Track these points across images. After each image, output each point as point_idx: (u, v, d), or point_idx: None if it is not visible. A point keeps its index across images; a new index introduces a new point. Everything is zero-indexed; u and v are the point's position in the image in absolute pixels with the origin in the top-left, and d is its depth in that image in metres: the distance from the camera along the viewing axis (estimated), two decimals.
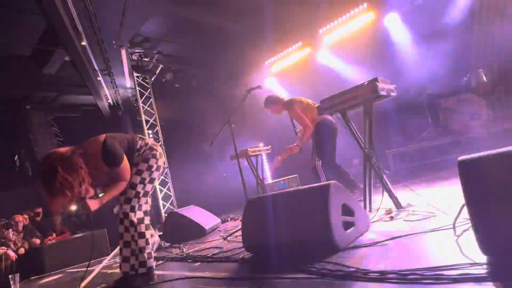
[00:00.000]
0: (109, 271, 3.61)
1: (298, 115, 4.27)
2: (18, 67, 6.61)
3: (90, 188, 2.44)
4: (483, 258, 1.40)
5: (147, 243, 2.65)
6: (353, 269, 1.70)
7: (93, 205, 2.41)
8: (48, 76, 7.21)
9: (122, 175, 2.52)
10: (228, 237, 3.78)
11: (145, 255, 2.61)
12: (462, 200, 1.44)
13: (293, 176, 6.65)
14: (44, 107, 7.72)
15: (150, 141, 2.89)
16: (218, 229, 4.81)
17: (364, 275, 1.59)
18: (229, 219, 5.58)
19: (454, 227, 1.83)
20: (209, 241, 3.93)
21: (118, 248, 2.68)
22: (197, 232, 4.49)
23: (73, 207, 5.91)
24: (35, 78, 7.08)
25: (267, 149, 5.85)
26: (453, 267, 1.41)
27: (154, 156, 2.76)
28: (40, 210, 6.11)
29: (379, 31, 6.68)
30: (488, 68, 5.45)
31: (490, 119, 5.02)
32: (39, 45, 6.28)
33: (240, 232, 2.87)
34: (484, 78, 5.46)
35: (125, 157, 2.52)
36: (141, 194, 2.64)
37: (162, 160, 2.85)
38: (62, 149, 2.30)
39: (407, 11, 6.42)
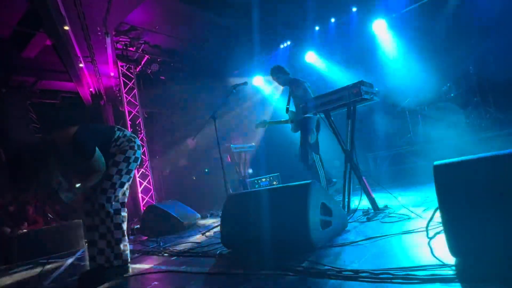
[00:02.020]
0: (82, 263, 3.53)
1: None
2: None
3: (63, 180, 2.40)
4: (452, 260, 1.45)
5: (123, 235, 2.60)
6: (327, 267, 1.72)
7: (67, 197, 2.37)
8: (27, 60, 6.94)
9: (94, 167, 2.48)
10: (207, 233, 3.77)
11: (121, 246, 2.56)
12: (436, 204, 1.49)
13: (275, 174, 6.67)
14: (21, 91, 7.42)
15: (129, 132, 2.85)
16: (197, 224, 4.79)
17: (338, 273, 1.62)
18: (208, 215, 5.56)
19: (427, 230, 1.89)
20: (187, 236, 3.91)
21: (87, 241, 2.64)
22: (176, 226, 4.45)
23: (49, 198, 5.75)
24: (13, 61, 6.81)
25: (251, 146, 5.85)
26: (423, 268, 1.46)
27: (132, 148, 2.72)
28: (12, 198, 5.89)
29: (366, 36, 6.80)
30: (467, 79, 5.65)
31: (466, 128, 5.23)
32: (19, 27, 6.04)
33: (219, 228, 2.87)
34: (463, 88, 5.67)
35: (97, 149, 2.47)
36: (117, 185, 2.59)
37: (141, 152, 2.82)
38: (32, 140, 2.29)
39: (394, 19, 6.55)
